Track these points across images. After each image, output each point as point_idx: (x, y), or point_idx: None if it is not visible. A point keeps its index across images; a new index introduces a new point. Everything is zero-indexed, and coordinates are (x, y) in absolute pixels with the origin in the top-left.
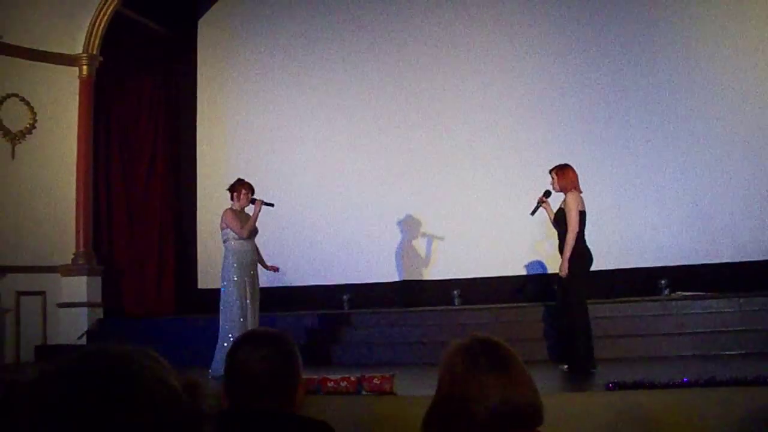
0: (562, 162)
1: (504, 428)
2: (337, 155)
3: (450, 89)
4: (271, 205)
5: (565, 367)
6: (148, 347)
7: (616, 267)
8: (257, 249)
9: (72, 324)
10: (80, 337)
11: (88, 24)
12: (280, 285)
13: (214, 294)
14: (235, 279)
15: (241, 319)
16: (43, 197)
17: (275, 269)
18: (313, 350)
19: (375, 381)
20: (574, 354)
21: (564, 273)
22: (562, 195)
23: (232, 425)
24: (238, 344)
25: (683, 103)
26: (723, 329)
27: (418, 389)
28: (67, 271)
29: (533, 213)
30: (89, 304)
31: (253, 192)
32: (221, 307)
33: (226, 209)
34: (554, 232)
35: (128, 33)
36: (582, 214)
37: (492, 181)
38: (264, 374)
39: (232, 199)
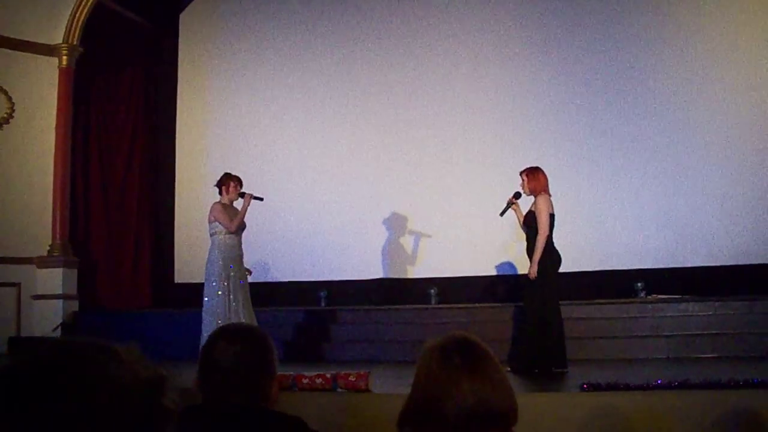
0: (535, 164)
1: (479, 428)
2: (318, 152)
3: (432, 91)
4: (261, 199)
5: (508, 369)
6: (119, 343)
7: (593, 269)
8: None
9: (47, 316)
10: (55, 330)
11: (68, 14)
12: (260, 281)
13: (191, 288)
14: (221, 273)
15: (227, 315)
16: (20, 188)
17: (248, 271)
18: (296, 346)
19: (350, 378)
20: (531, 355)
21: (533, 275)
22: (531, 198)
23: (205, 420)
24: (212, 339)
25: (661, 108)
26: (698, 332)
27: (394, 387)
28: (42, 262)
29: (502, 214)
30: (64, 297)
31: (241, 185)
32: (204, 299)
33: (215, 203)
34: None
35: (109, 24)
36: (552, 217)
37: (472, 180)
38: (238, 369)
39: (220, 193)
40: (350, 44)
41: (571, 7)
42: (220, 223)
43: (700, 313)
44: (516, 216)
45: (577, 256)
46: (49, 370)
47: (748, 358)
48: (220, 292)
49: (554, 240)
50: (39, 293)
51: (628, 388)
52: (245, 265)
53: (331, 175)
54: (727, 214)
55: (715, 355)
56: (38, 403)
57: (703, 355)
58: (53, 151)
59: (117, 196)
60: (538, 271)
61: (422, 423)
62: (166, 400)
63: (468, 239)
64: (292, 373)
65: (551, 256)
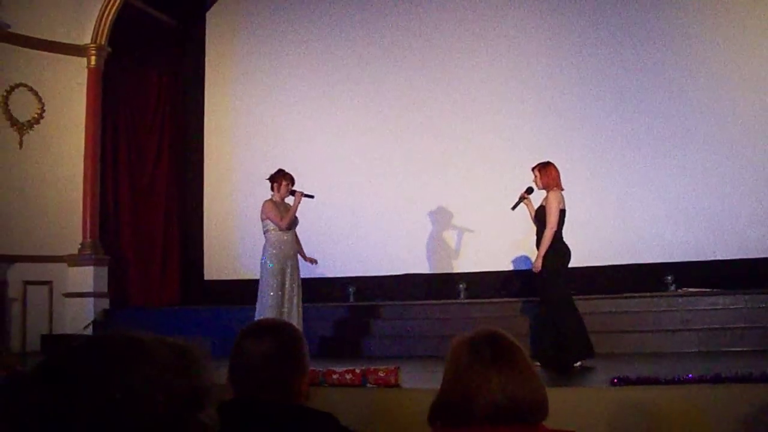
0: (548, 160)
1: (508, 422)
2: (345, 148)
3: (458, 86)
4: (311, 197)
5: (537, 364)
6: (189, 340)
7: (623, 263)
8: (298, 240)
9: (78, 314)
10: (86, 327)
11: (96, 14)
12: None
13: (220, 285)
14: (273, 270)
15: (282, 310)
16: (50, 187)
17: (314, 261)
18: (330, 342)
19: (380, 374)
20: (550, 350)
21: (537, 268)
22: (544, 192)
23: (235, 416)
24: (243, 335)
25: (691, 100)
26: (728, 326)
27: (424, 382)
28: (73, 261)
29: (514, 208)
30: (95, 294)
31: (293, 183)
32: (258, 297)
33: (266, 200)
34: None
35: (137, 24)
36: (562, 213)
37: (501, 174)
38: (268, 366)
39: (272, 189)
40: (381, 40)
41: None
42: (270, 220)
43: (730, 307)
44: (528, 210)
45: (606, 250)
46: (62, 377)
47: None
48: (272, 293)
49: (577, 234)
50: (70, 291)
51: (658, 382)
52: (309, 256)
53: (359, 172)
54: (758, 207)
55: (746, 348)
56: (49, 413)
57: (733, 349)
58: (83, 150)
59: (146, 194)
60: (548, 266)
61: (453, 417)
62: (203, 416)
63: (496, 233)
64: (321, 369)
65: (560, 250)
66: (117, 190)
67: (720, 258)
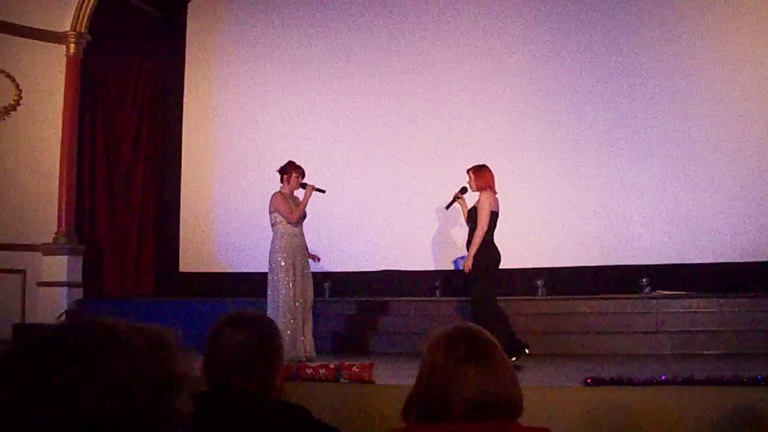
0: (483, 162)
1: (483, 418)
2: (327, 140)
3: (440, 81)
4: (323, 191)
5: None
6: (163, 328)
7: (598, 264)
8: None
9: (51, 303)
10: (59, 317)
11: (76, 1)
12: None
13: (195, 277)
14: (282, 263)
15: (296, 305)
16: (26, 175)
17: (316, 258)
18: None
19: (354, 369)
20: None
21: (468, 269)
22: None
23: (209, 407)
24: (218, 326)
25: (667, 103)
26: (702, 329)
27: (398, 378)
28: (48, 250)
29: (448, 207)
30: (69, 284)
31: (303, 176)
32: (268, 292)
33: (275, 193)
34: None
35: (117, 12)
36: (494, 215)
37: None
38: (243, 357)
39: (281, 181)
40: (361, 28)
41: None
42: (279, 213)
43: (704, 310)
44: (462, 210)
45: (582, 252)
46: (31, 360)
47: (753, 355)
48: (284, 290)
49: (552, 235)
50: (44, 280)
51: (631, 383)
52: (312, 253)
53: (341, 164)
54: (733, 211)
55: (719, 351)
56: (17, 397)
57: (707, 352)
58: (60, 138)
59: (123, 184)
60: (476, 266)
61: (427, 413)
62: (177, 403)
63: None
64: (294, 363)
65: (489, 252)
66: (93, 180)
67: (695, 261)
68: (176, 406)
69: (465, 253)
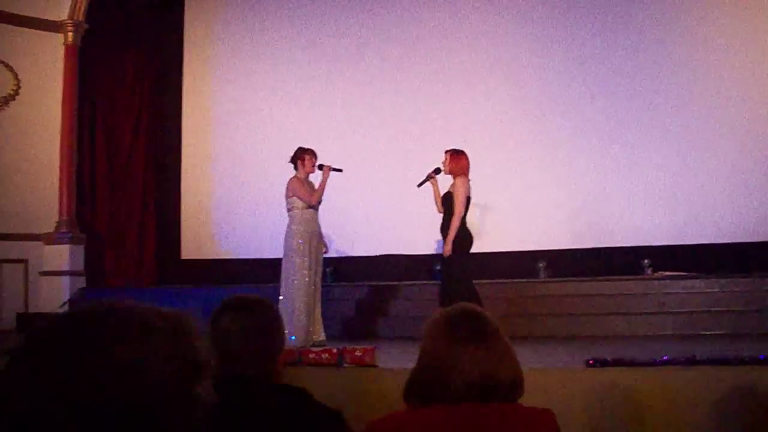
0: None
1: (484, 399)
2: (325, 131)
3: (438, 70)
4: (340, 170)
5: None
6: (184, 312)
7: (599, 246)
8: None
9: (54, 292)
10: (62, 306)
11: None
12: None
13: (197, 264)
14: (299, 248)
15: (310, 291)
16: (26, 165)
17: (324, 247)
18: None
19: (356, 353)
20: None
21: (448, 253)
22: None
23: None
24: (220, 310)
25: (667, 85)
26: (704, 309)
27: (398, 362)
28: (49, 239)
29: (420, 185)
30: (71, 273)
31: (317, 158)
32: (282, 276)
33: (292, 177)
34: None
35: (115, 1)
36: (468, 200)
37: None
38: (244, 342)
39: (295, 168)
40: (359, 21)
41: None
42: (298, 197)
43: (706, 290)
44: (433, 191)
45: (583, 233)
46: (63, 344)
47: (754, 336)
48: (299, 275)
49: (553, 217)
50: (46, 269)
51: (633, 364)
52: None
53: (339, 154)
54: (734, 192)
55: (720, 332)
56: (46, 382)
57: (708, 332)
58: (59, 128)
59: (123, 173)
60: (453, 250)
61: (428, 393)
62: (199, 390)
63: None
64: (297, 348)
65: (463, 236)
66: (94, 168)
67: (696, 242)
68: (198, 392)
69: (439, 237)
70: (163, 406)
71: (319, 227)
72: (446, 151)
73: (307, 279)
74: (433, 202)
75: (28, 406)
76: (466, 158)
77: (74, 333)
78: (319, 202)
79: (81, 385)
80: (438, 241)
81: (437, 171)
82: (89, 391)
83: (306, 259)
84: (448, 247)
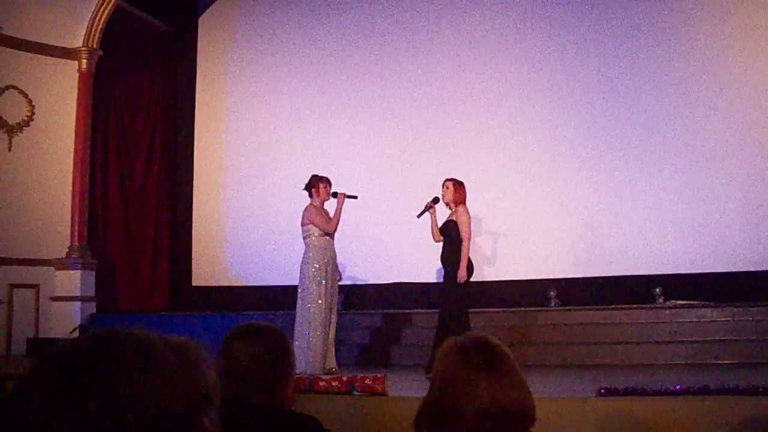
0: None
1: (494, 429)
2: (337, 153)
3: (449, 88)
4: (355, 197)
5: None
6: (191, 341)
7: (611, 274)
8: None
9: (65, 318)
10: (73, 332)
11: (88, 17)
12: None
13: (208, 291)
14: (316, 276)
15: (324, 316)
16: (39, 190)
17: (339, 275)
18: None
19: (367, 381)
20: None
21: (463, 278)
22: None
23: (220, 418)
24: (231, 336)
25: (682, 113)
26: (716, 338)
27: (409, 390)
28: (61, 264)
29: (419, 216)
30: (82, 299)
31: (331, 185)
32: (298, 305)
33: (308, 206)
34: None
35: (129, 28)
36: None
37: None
38: (254, 369)
39: (310, 196)
40: (369, 45)
41: (596, 6)
42: (315, 225)
43: (718, 319)
44: (431, 220)
45: (595, 261)
46: (59, 373)
47: (767, 365)
48: (315, 304)
49: (566, 245)
50: (57, 295)
51: (645, 393)
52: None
53: (352, 176)
54: (746, 220)
55: (733, 361)
56: (47, 410)
57: (721, 362)
58: (72, 153)
59: (135, 199)
60: (450, 280)
61: (439, 423)
62: (205, 421)
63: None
64: (307, 376)
65: (468, 264)
66: (106, 194)
67: (708, 270)
68: (204, 422)
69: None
70: None
71: (335, 254)
72: (448, 180)
73: (323, 306)
74: (430, 232)
75: None
76: (465, 188)
77: (78, 361)
78: (335, 230)
79: (82, 414)
80: (438, 270)
81: (436, 200)
82: (89, 420)
83: (322, 286)
84: (463, 273)
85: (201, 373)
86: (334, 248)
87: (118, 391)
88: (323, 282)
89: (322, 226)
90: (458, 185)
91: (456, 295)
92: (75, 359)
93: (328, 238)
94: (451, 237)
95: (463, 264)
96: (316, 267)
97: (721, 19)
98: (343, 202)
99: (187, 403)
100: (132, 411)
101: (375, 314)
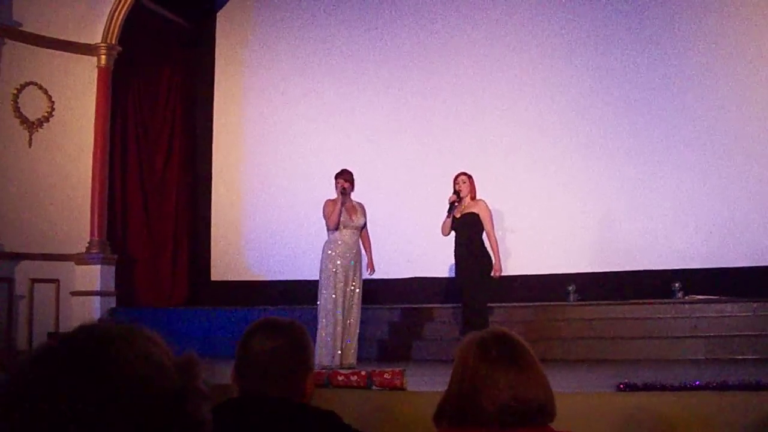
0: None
1: (514, 423)
2: (357, 147)
3: (469, 87)
4: (343, 193)
5: None
6: (141, 326)
7: (631, 269)
8: (367, 243)
9: (85, 312)
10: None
11: (107, 13)
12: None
13: (227, 286)
14: (329, 269)
15: (337, 311)
16: (59, 186)
17: (372, 269)
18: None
19: (385, 376)
20: None
21: (499, 272)
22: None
23: (241, 413)
24: (249, 332)
25: (703, 107)
26: (736, 333)
27: (429, 385)
28: (81, 259)
29: (450, 214)
30: (102, 293)
31: (348, 181)
32: (318, 298)
33: (327, 199)
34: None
35: (147, 23)
36: None
37: (512, 176)
38: (274, 364)
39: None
40: (390, 38)
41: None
42: (324, 218)
43: (738, 314)
44: (447, 216)
45: (614, 256)
46: (84, 349)
47: None
48: (324, 296)
49: (585, 239)
50: (77, 289)
51: (664, 388)
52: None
53: (371, 170)
54: (766, 215)
55: (753, 356)
56: (73, 382)
57: (741, 357)
58: (92, 149)
59: (155, 193)
60: (481, 272)
61: (459, 417)
62: (200, 383)
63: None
64: (326, 370)
65: (489, 257)
66: (126, 189)
67: (728, 265)
68: (200, 385)
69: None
70: None
71: (355, 249)
72: (462, 174)
73: (332, 301)
74: (442, 226)
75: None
76: None
77: (64, 355)
78: (360, 226)
79: (72, 408)
80: (451, 265)
81: (458, 195)
82: (77, 414)
83: (331, 279)
84: (499, 264)
85: (191, 370)
86: (353, 242)
87: (99, 385)
88: (336, 273)
89: (326, 221)
90: (472, 179)
91: (489, 287)
92: (55, 355)
93: (341, 232)
94: (473, 229)
95: (497, 255)
96: (326, 261)
97: (751, 10)
98: (340, 200)
99: (182, 366)
100: (113, 406)
101: (394, 309)
